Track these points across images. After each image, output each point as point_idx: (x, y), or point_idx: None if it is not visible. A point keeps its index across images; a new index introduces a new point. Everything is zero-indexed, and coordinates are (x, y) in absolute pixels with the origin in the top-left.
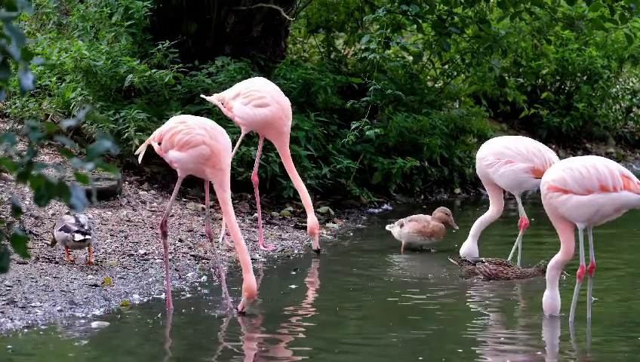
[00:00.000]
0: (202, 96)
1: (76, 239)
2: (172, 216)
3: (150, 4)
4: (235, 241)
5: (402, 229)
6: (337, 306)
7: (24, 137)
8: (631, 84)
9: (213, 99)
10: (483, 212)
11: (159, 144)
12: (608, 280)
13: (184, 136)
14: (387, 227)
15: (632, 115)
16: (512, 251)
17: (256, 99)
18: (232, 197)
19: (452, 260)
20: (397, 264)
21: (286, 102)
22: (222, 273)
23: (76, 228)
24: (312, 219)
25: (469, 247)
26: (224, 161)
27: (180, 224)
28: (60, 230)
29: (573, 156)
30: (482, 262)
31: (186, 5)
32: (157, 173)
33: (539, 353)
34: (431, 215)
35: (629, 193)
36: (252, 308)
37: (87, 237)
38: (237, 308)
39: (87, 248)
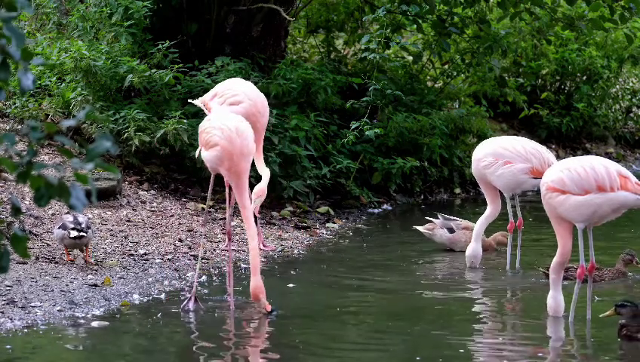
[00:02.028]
0: (189, 100)
1: (71, 236)
2: (172, 216)
3: (150, 4)
4: (250, 243)
5: (456, 236)
6: (337, 306)
7: (24, 137)
8: (631, 84)
9: (198, 102)
10: (483, 211)
11: None
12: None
13: (206, 136)
14: (421, 228)
15: (631, 115)
16: (509, 256)
17: (230, 97)
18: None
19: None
20: (396, 264)
21: (260, 99)
22: (231, 272)
23: (72, 226)
24: (262, 186)
25: (474, 249)
26: (239, 165)
27: (179, 224)
28: (59, 228)
29: (573, 156)
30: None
31: (185, 5)
32: (157, 173)
33: (540, 354)
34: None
35: (627, 193)
36: (251, 307)
37: (82, 234)
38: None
39: (84, 247)
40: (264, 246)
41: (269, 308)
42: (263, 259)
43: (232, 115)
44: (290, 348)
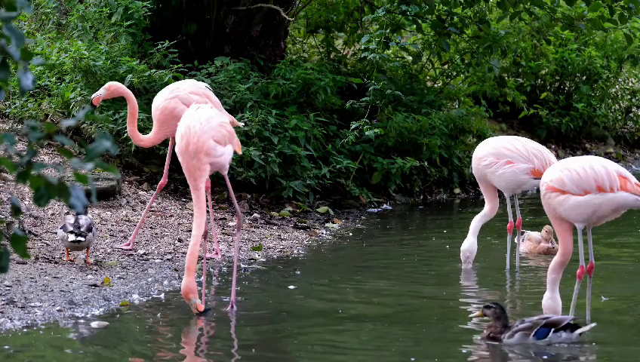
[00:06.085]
0: None
1: (69, 240)
2: (172, 216)
3: (150, 5)
4: (192, 241)
5: (522, 245)
6: (336, 306)
7: (24, 137)
8: (630, 84)
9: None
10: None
11: None
12: (608, 280)
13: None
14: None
15: (631, 115)
16: (508, 256)
17: None
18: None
19: None
20: (396, 264)
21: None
22: (235, 270)
23: (71, 229)
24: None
25: (470, 244)
26: (188, 162)
27: (179, 224)
28: (60, 228)
29: (573, 156)
30: None
31: (185, 5)
32: (156, 173)
33: (539, 355)
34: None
35: (626, 193)
36: (251, 307)
37: (79, 238)
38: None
39: (85, 249)
40: (216, 253)
41: (201, 308)
42: (262, 260)
43: (200, 113)
44: (288, 348)
